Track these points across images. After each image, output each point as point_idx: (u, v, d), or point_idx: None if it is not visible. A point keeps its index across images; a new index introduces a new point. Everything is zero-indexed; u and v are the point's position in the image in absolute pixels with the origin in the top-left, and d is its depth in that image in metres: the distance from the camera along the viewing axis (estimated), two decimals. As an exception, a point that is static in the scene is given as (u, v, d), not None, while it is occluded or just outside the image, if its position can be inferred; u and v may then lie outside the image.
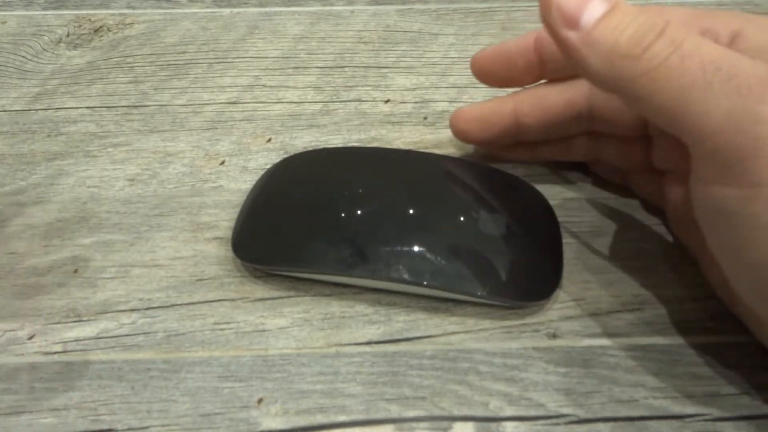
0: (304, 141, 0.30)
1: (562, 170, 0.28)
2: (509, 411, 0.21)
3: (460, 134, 0.28)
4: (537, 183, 0.27)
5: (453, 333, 0.23)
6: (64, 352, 0.23)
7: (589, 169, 0.28)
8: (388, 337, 0.23)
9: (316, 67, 0.35)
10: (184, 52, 0.36)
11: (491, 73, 0.26)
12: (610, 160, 0.27)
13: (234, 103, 0.32)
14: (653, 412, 0.21)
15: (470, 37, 0.36)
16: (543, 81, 0.26)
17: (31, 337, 0.23)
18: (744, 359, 0.21)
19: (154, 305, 0.24)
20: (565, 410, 0.21)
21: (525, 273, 0.23)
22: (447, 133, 0.30)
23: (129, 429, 0.21)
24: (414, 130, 0.31)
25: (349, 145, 0.30)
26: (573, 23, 0.19)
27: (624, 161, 0.26)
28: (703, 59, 0.18)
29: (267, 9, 0.39)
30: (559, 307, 0.24)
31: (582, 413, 0.21)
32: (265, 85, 0.33)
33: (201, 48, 0.36)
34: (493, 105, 0.27)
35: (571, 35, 0.19)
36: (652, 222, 0.26)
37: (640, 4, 0.20)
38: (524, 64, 0.25)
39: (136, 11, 0.39)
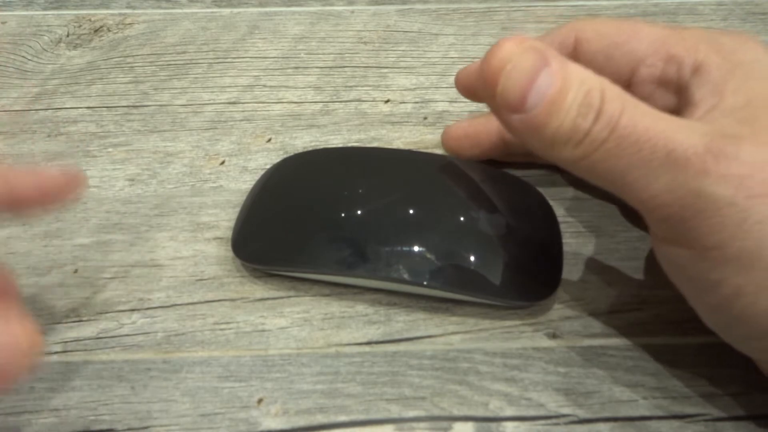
0: (304, 141, 0.30)
1: (562, 170, 0.28)
2: (509, 411, 0.21)
3: (450, 151, 0.29)
4: (537, 183, 0.27)
5: (453, 333, 0.23)
6: (64, 352, 0.23)
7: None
8: (388, 337, 0.23)
9: (316, 67, 0.34)
10: (184, 52, 0.36)
11: (473, 89, 0.26)
12: None
13: (234, 103, 0.32)
14: (653, 412, 0.21)
15: (470, 37, 0.36)
16: None
17: (31, 337, 0.23)
18: (744, 359, 0.21)
19: (154, 305, 0.24)
20: (565, 410, 0.21)
21: (525, 273, 0.23)
22: (447, 133, 0.30)
23: (129, 429, 0.21)
24: (414, 130, 0.31)
25: (349, 145, 0.30)
26: (517, 108, 0.19)
27: None
28: (640, 137, 0.18)
29: (267, 9, 0.39)
30: (559, 307, 0.24)
31: (582, 413, 0.21)
32: (265, 85, 0.33)
33: (201, 48, 0.36)
34: (480, 123, 0.28)
35: (514, 119, 0.19)
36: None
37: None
38: None
39: (136, 11, 0.39)
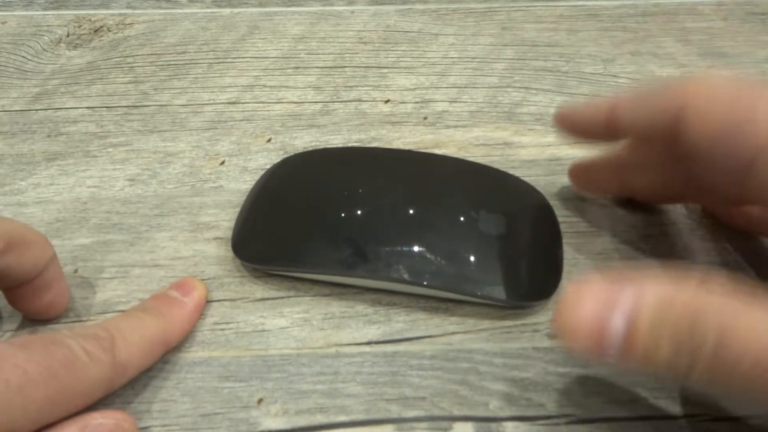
0: (304, 141, 0.30)
1: (564, 171, 0.28)
2: (509, 411, 0.21)
3: (573, 185, 0.28)
4: (537, 183, 0.27)
5: (453, 333, 0.23)
6: (64, 352, 0.23)
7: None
8: (388, 337, 0.23)
9: (316, 67, 0.35)
10: (184, 52, 0.36)
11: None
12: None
13: (234, 103, 0.32)
14: (653, 412, 0.21)
15: (470, 37, 0.36)
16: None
17: (31, 337, 0.23)
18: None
19: (154, 305, 0.24)
20: (565, 410, 0.21)
21: (525, 273, 0.23)
22: (447, 133, 0.30)
23: (129, 429, 0.21)
24: (414, 130, 0.31)
25: (349, 145, 0.30)
26: (602, 354, 0.17)
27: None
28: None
29: (267, 9, 0.39)
30: (559, 307, 0.24)
31: (582, 413, 0.21)
32: (265, 85, 0.33)
33: (201, 48, 0.36)
34: (604, 161, 0.27)
35: (608, 357, 0.17)
36: (652, 222, 0.26)
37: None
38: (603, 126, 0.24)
39: (136, 11, 0.39)
